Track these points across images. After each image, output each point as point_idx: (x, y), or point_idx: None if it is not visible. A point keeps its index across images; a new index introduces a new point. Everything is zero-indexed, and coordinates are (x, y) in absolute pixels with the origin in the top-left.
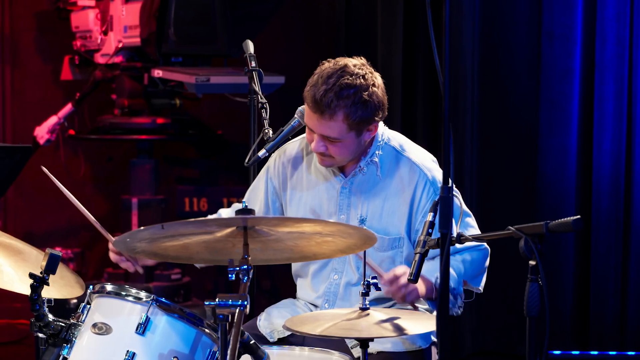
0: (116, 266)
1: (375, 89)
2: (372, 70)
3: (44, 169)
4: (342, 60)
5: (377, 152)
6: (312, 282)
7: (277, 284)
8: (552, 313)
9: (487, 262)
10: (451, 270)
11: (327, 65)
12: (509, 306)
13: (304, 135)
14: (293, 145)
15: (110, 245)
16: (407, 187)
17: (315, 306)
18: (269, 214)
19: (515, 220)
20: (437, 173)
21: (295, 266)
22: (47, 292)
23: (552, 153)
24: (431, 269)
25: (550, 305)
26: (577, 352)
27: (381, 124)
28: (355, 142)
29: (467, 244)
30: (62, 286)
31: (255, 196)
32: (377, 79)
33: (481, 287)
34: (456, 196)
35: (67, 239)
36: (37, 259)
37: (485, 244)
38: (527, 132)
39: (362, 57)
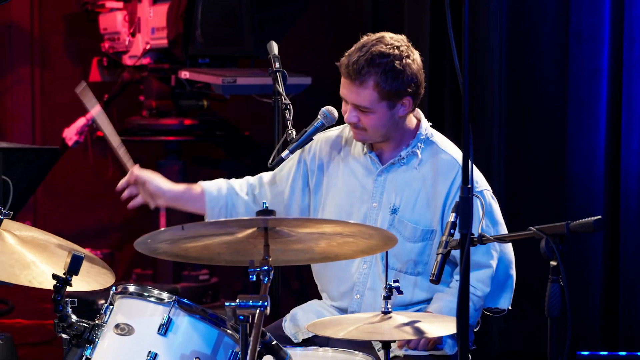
0: (144, 267)
1: (409, 60)
2: (410, 45)
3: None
4: (381, 33)
5: (419, 144)
6: (338, 277)
7: (305, 284)
8: (581, 314)
9: (512, 278)
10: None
11: (366, 37)
12: (537, 307)
13: (345, 124)
14: (332, 132)
15: (132, 170)
16: (443, 181)
17: (342, 310)
18: (295, 194)
19: (543, 221)
20: (476, 173)
21: (316, 266)
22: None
23: (580, 153)
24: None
25: (579, 305)
26: (605, 353)
27: (425, 120)
28: (388, 115)
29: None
30: (92, 278)
31: (281, 170)
32: (414, 53)
33: (507, 307)
34: (479, 198)
35: (96, 240)
36: (63, 253)
37: (507, 259)
38: (555, 133)
39: (404, 35)
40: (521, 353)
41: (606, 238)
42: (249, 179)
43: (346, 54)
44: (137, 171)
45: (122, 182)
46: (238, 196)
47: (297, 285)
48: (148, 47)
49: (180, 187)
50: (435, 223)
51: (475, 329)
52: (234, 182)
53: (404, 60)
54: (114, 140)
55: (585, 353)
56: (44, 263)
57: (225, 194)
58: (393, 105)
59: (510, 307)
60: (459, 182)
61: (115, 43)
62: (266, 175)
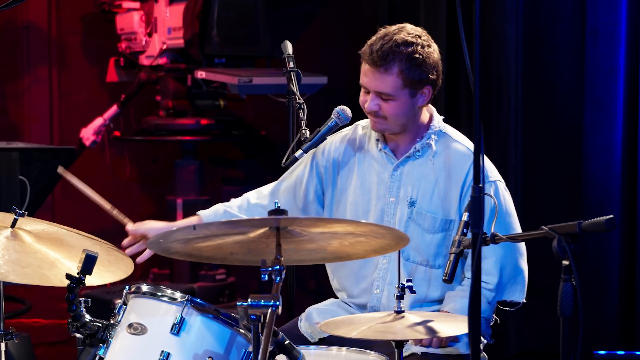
0: (161, 266)
1: (430, 50)
2: (430, 37)
3: (61, 169)
4: (401, 24)
5: (432, 136)
6: (358, 274)
7: (322, 284)
8: (598, 313)
9: (522, 271)
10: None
11: (385, 28)
12: (554, 306)
13: (356, 123)
14: (344, 132)
15: (128, 228)
16: (459, 171)
17: (360, 306)
18: (298, 194)
19: (559, 220)
20: (488, 164)
21: (333, 265)
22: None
23: (597, 152)
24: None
25: (596, 305)
26: (622, 352)
27: (437, 114)
28: (409, 103)
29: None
30: (113, 270)
31: (289, 176)
32: (434, 44)
33: (521, 300)
34: (492, 198)
35: (113, 240)
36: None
37: (515, 251)
38: (572, 131)
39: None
40: (538, 352)
41: (623, 237)
42: (249, 197)
43: (368, 42)
44: (133, 227)
45: (126, 242)
46: (237, 215)
47: (314, 284)
48: (164, 47)
49: (179, 222)
50: (453, 213)
51: (491, 323)
52: (233, 201)
53: (426, 49)
54: (105, 204)
55: (602, 352)
56: (67, 259)
57: (222, 215)
58: (414, 94)
59: (524, 301)
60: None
61: (132, 43)
62: (268, 188)
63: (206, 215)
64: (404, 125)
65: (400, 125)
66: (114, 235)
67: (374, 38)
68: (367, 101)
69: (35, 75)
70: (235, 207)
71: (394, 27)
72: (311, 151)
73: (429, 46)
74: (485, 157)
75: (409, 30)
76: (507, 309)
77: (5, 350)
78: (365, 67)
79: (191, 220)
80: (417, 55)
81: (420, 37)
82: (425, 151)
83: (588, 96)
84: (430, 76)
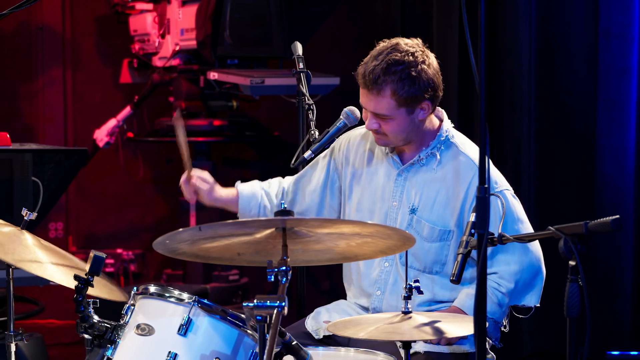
0: (175, 267)
1: (424, 66)
2: (425, 49)
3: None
4: (395, 39)
5: (438, 145)
6: (361, 274)
7: (336, 285)
8: (611, 313)
9: (542, 275)
10: (491, 298)
11: (382, 44)
12: None
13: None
14: (358, 131)
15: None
16: (462, 182)
17: (365, 308)
18: (325, 193)
19: (572, 220)
20: (494, 172)
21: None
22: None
23: (610, 152)
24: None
25: (609, 305)
26: (635, 353)
27: (448, 120)
28: (407, 120)
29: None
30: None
31: (313, 173)
32: (429, 57)
33: (535, 304)
34: (500, 198)
35: (128, 241)
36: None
37: (535, 257)
38: (585, 132)
39: (419, 38)
40: (551, 353)
41: (637, 236)
42: (283, 185)
43: (362, 62)
44: (194, 177)
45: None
46: (272, 202)
47: (328, 285)
48: (177, 48)
49: (224, 193)
50: (452, 224)
51: (505, 329)
52: (272, 187)
53: (419, 67)
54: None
55: (616, 353)
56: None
57: (260, 202)
58: (412, 111)
59: (538, 305)
60: (477, 183)
61: (145, 44)
62: (298, 180)
63: (242, 189)
64: (406, 139)
65: (402, 139)
66: (126, 236)
67: (367, 57)
68: (367, 119)
69: (49, 77)
70: (272, 196)
71: (388, 45)
72: (328, 151)
73: (422, 62)
74: (493, 166)
75: (402, 48)
76: (521, 316)
77: (15, 351)
78: (361, 89)
79: (231, 191)
80: (409, 75)
81: (413, 54)
82: (429, 160)
83: (601, 96)
84: (426, 94)
